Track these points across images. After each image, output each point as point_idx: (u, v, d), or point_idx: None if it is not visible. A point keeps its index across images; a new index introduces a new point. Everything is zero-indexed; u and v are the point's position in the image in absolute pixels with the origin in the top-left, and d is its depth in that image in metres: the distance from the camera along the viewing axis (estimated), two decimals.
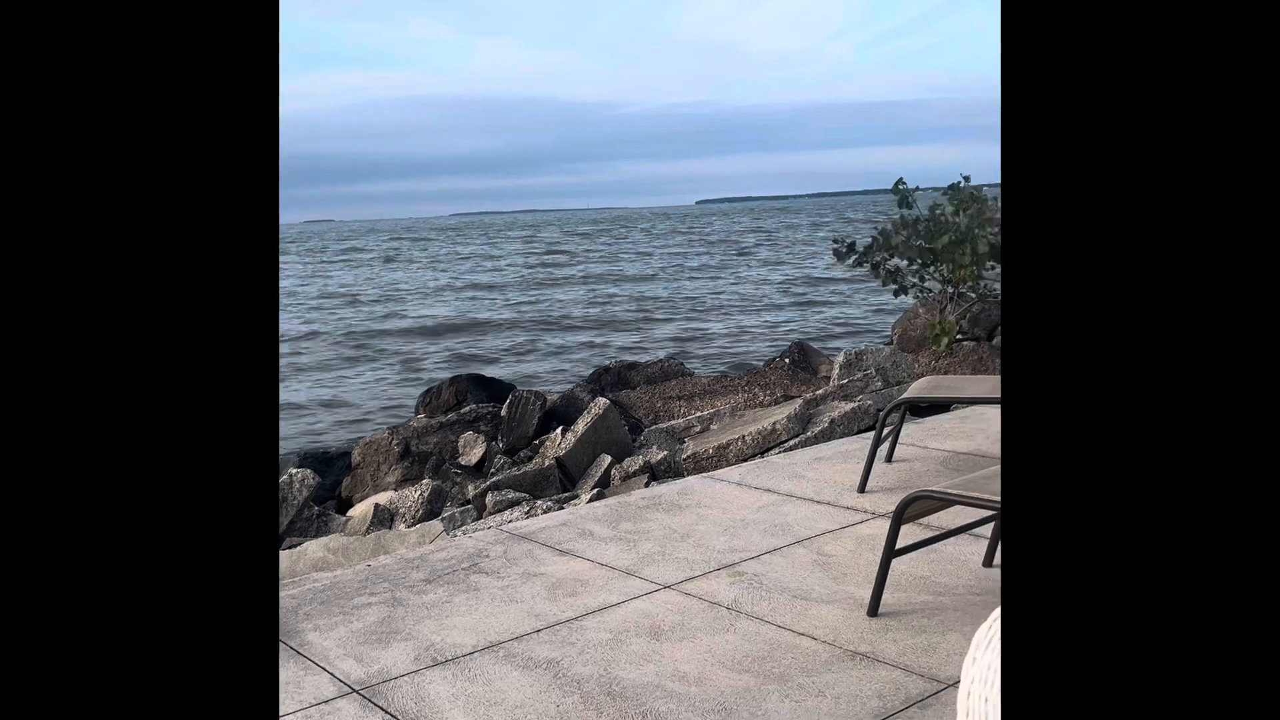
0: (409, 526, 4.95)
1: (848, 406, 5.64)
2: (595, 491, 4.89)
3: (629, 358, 11.07)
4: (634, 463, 5.21)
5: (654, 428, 6.08)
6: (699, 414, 6.41)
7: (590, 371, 9.28)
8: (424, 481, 5.51)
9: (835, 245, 8.26)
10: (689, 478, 4.48)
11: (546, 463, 5.33)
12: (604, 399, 6.13)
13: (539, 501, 4.75)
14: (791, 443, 5.24)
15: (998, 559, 3.18)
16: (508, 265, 38.44)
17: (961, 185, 7.88)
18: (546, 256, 43.80)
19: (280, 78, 0.98)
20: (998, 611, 1.09)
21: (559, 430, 5.90)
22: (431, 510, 5.16)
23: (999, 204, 7.74)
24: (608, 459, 5.31)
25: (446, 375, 9.30)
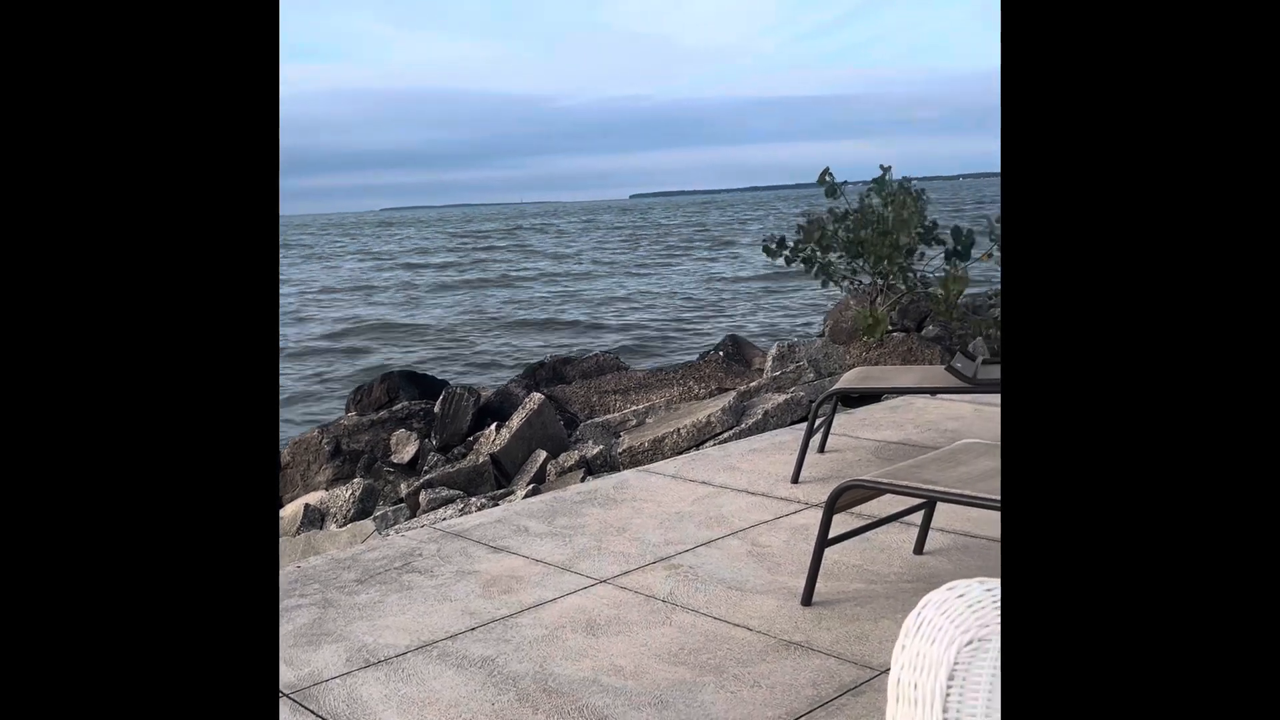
0: (340, 526, 4.87)
1: (781, 398, 5.69)
2: (531, 487, 4.86)
3: (564, 352, 11.03)
4: (570, 458, 5.19)
5: (590, 422, 6.07)
6: (635, 408, 6.41)
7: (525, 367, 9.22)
8: (355, 480, 5.43)
9: (766, 242, 8.32)
10: (625, 471, 4.48)
11: (481, 459, 5.29)
12: (539, 394, 6.10)
13: (473, 499, 4.71)
14: (726, 435, 5.27)
15: (928, 546, 3.24)
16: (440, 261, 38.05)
17: (885, 177, 8.00)
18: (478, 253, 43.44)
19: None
20: (927, 598, 1.11)
21: (494, 426, 5.85)
22: (363, 509, 5.08)
23: (924, 197, 7.87)
24: (543, 454, 5.28)
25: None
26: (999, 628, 1.03)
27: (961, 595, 1.06)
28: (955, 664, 1.02)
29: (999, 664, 1.02)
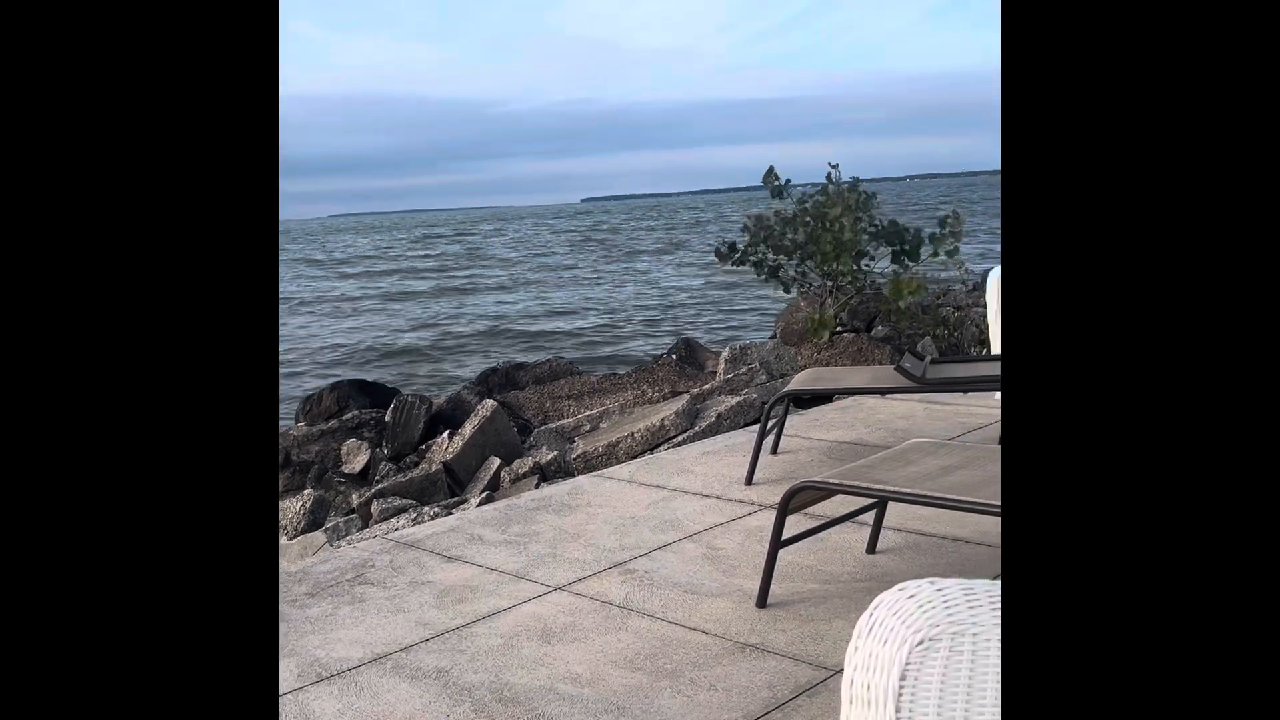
0: (290, 539, 4.79)
1: (733, 400, 5.72)
2: (484, 495, 4.83)
3: (520, 358, 10.98)
4: (524, 464, 5.17)
5: (543, 428, 6.04)
6: (588, 413, 6.40)
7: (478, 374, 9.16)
8: (306, 492, 5.35)
9: (717, 245, 8.36)
10: (579, 477, 4.47)
11: (434, 468, 5.24)
12: (491, 400, 6.06)
13: (426, 508, 4.66)
14: (680, 438, 5.28)
15: (880, 545, 3.27)
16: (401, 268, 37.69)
17: (833, 177, 8.07)
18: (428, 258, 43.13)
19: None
20: (879, 599, 1.11)
21: (446, 434, 5.81)
22: (314, 521, 5.01)
23: (874, 199, 7.96)
24: (497, 461, 5.25)
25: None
26: (949, 627, 1.04)
27: (912, 596, 1.07)
28: (907, 664, 1.03)
29: (949, 663, 1.03)
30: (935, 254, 7.90)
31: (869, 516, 3.34)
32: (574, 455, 5.24)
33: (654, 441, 5.27)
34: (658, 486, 4.11)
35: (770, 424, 4.39)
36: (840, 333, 7.73)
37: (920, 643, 1.02)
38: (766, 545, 2.91)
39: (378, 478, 5.69)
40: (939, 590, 1.06)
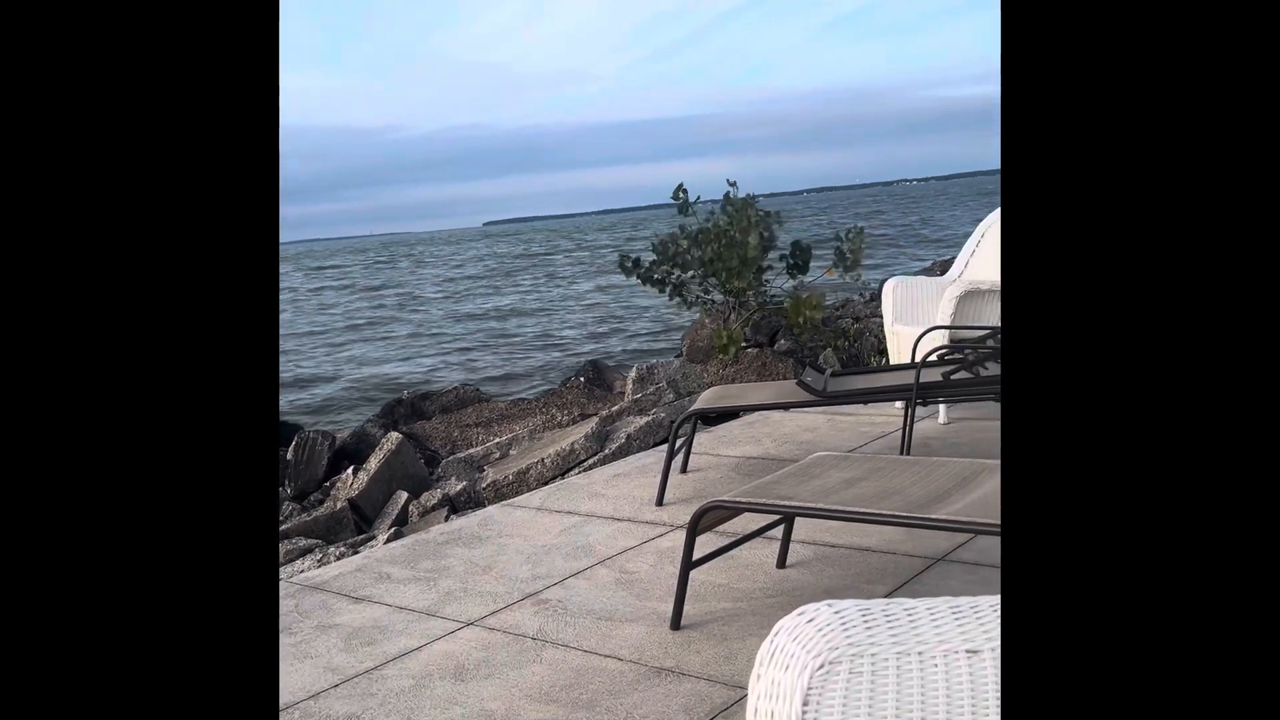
0: None
1: (642, 421, 5.73)
2: (393, 530, 4.73)
3: (424, 387, 10.82)
4: (432, 496, 5.08)
5: (452, 458, 5.96)
6: (497, 440, 6.34)
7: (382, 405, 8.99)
8: None
9: (622, 259, 8.39)
10: (489, 507, 4.42)
11: (339, 505, 5.12)
12: (396, 433, 5.95)
13: (332, 547, 4.55)
14: (590, 461, 5.26)
15: (790, 559, 3.31)
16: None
17: (731, 194, 8.19)
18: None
19: None
20: (779, 624, 1.12)
21: (350, 470, 5.68)
22: None
23: (774, 216, 8.09)
24: (404, 495, 5.15)
25: None
26: (848, 649, 1.05)
27: (811, 620, 1.08)
28: (809, 689, 1.04)
29: (849, 685, 1.04)
30: (832, 270, 8.07)
31: (778, 531, 3.38)
32: (484, 484, 5.18)
33: (565, 466, 5.24)
34: (569, 512, 4.09)
35: (679, 443, 4.41)
36: (745, 348, 7.83)
37: (820, 667, 1.04)
38: (679, 566, 2.92)
39: (281, 518, 5.53)
40: (837, 613, 1.08)
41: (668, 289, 8.25)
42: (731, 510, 2.86)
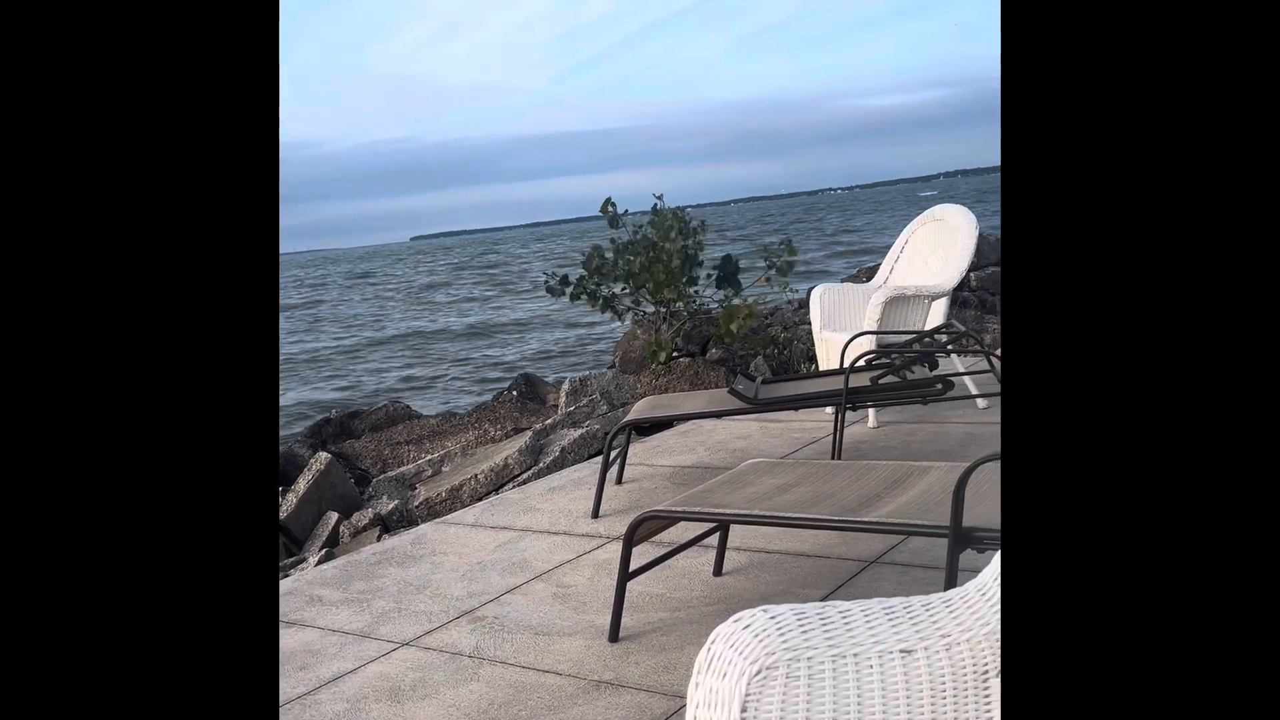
0: None
1: (576, 433, 5.71)
2: (324, 552, 4.64)
3: (352, 405, 10.63)
4: (364, 516, 4.99)
5: (383, 477, 5.87)
6: (429, 457, 6.26)
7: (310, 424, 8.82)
8: None
9: (547, 280, 8.36)
10: (423, 525, 4.35)
11: None
12: (325, 453, 5.84)
13: None
14: (525, 475, 5.23)
15: (726, 566, 3.32)
16: None
17: (659, 206, 8.22)
18: None
19: None
20: (716, 631, 1.12)
21: (279, 491, 5.55)
22: None
23: (701, 226, 8.15)
24: (335, 515, 5.05)
25: None
26: (785, 654, 1.06)
27: (747, 626, 1.08)
28: (747, 695, 1.04)
29: (787, 690, 1.04)
30: (767, 280, 8.15)
31: (714, 539, 3.39)
32: (416, 503, 5.11)
33: (499, 481, 5.19)
34: (504, 528, 4.05)
35: (613, 455, 4.41)
36: (677, 358, 7.86)
37: (758, 673, 1.04)
38: (615, 578, 2.91)
39: None
40: (772, 618, 1.08)
41: (599, 302, 8.25)
42: (667, 520, 2.86)
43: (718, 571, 3.28)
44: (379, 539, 4.63)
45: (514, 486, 5.07)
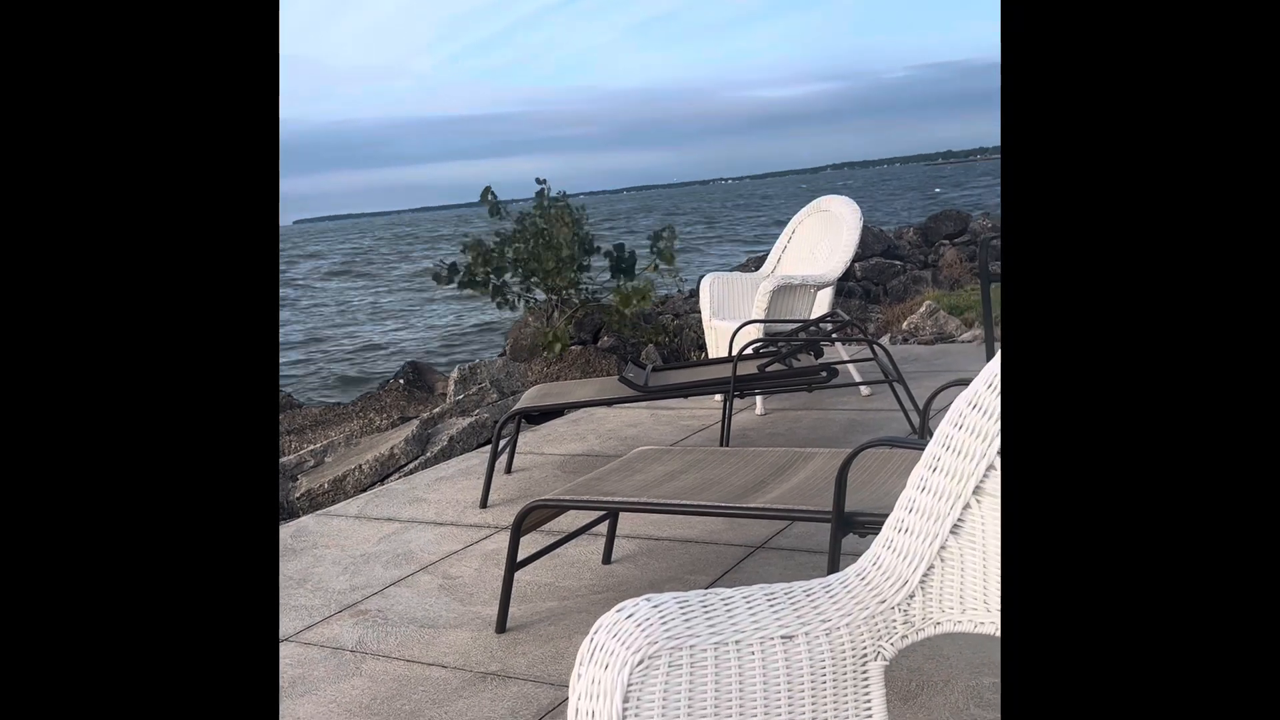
0: None
1: (465, 422, 5.64)
2: None
3: None
4: None
5: None
6: (311, 447, 6.08)
7: None
8: None
9: (434, 269, 8.21)
10: (304, 517, 4.23)
11: None
12: None
13: None
14: (412, 465, 5.13)
15: (615, 554, 3.32)
16: None
17: (544, 193, 8.16)
18: None
19: None
20: (599, 621, 1.11)
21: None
22: None
23: (583, 211, 8.12)
24: None
25: None
26: (667, 643, 1.05)
27: (630, 615, 1.07)
28: (629, 685, 1.03)
29: (669, 679, 1.04)
30: (655, 267, 8.18)
31: (603, 527, 3.38)
32: (297, 494, 4.96)
33: (384, 472, 5.08)
34: (389, 519, 3.96)
35: (503, 444, 4.36)
36: (569, 345, 7.83)
37: (640, 662, 1.03)
38: (503, 569, 2.87)
39: None
40: (655, 607, 1.07)
41: (489, 289, 8.15)
42: (556, 509, 2.84)
43: (607, 560, 3.27)
44: None
45: (400, 477, 4.97)
